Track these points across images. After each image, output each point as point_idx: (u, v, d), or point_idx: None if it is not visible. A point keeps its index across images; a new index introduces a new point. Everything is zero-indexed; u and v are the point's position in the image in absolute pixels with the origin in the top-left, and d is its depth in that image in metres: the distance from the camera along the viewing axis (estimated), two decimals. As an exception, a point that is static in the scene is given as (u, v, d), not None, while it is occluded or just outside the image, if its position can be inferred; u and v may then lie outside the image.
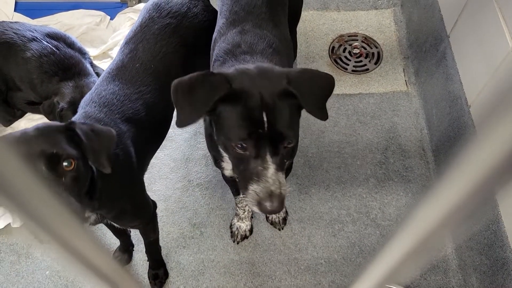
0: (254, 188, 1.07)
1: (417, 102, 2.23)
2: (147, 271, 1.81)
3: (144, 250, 1.76)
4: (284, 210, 1.90)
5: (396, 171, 2.04)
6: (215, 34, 1.48)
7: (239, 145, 1.05)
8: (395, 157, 2.08)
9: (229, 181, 1.64)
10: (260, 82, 1.05)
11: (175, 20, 1.56)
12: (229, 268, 1.84)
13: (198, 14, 1.62)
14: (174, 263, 1.85)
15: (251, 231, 1.91)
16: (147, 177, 2.04)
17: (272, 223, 1.91)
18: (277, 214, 1.88)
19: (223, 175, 1.54)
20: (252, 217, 1.92)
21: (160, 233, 1.91)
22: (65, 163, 1.00)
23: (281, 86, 1.05)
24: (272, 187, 1.05)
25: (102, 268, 0.31)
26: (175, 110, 1.08)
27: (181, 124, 1.07)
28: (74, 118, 1.31)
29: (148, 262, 1.80)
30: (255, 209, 1.09)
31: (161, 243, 1.85)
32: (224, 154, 1.25)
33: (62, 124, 1.08)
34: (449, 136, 1.88)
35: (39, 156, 0.96)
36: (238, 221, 1.87)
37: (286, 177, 1.88)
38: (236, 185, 1.62)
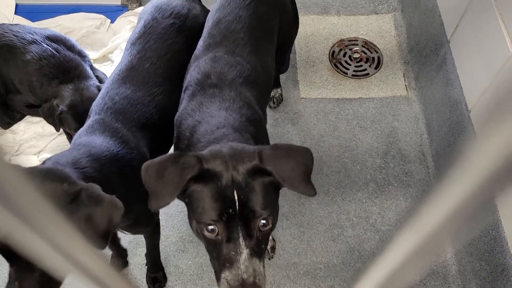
0: (225, 276, 0.97)
1: (417, 107, 2.23)
2: (146, 275, 1.80)
3: (143, 253, 1.75)
4: (271, 238, 1.84)
5: (396, 176, 2.04)
6: (192, 55, 1.46)
7: (210, 229, 0.99)
8: (395, 162, 2.08)
9: None
10: (232, 162, 1.00)
11: (178, 20, 1.56)
12: (227, 273, 1.83)
13: (198, 15, 1.63)
14: (173, 267, 1.84)
15: (273, 247, 1.89)
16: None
17: None
18: None
19: None
20: None
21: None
22: None
23: (252, 164, 1.00)
24: (244, 275, 0.96)
25: (100, 275, 0.31)
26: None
27: (154, 207, 1.02)
28: (91, 127, 1.29)
29: (146, 266, 1.80)
30: None
31: (160, 247, 1.84)
32: None
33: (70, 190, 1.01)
34: (449, 141, 1.88)
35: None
36: None
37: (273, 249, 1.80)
38: None
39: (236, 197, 0.97)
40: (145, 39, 1.51)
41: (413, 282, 1.78)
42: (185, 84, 1.40)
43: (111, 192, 1.08)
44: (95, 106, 1.40)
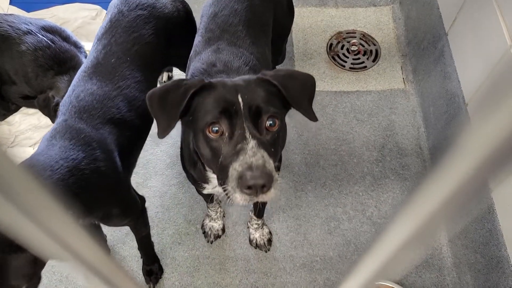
0: (233, 167, 0.93)
1: (414, 100, 2.23)
2: (142, 267, 1.80)
3: (137, 247, 1.75)
4: (267, 231, 1.85)
5: (392, 169, 2.04)
6: (191, 53, 1.46)
7: (214, 129, 0.97)
8: (392, 155, 2.08)
9: (203, 194, 1.58)
10: (237, 80, 1.05)
11: (145, 11, 1.54)
12: (224, 265, 1.83)
13: (166, 4, 1.61)
14: (169, 259, 1.84)
15: (223, 230, 1.89)
16: (142, 173, 2.04)
17: (258, 246, 1.84)
18: (261, 237, 1.82)
19: (197, 190, 1.50)
20: (223, 216, 1.91)
21: (155, 229, 1.90)
22: None
23: (257, 76, 1.05)
24: (252, 159, 0.91)
25: (96, 263, 0.31)
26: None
27: (161, 133, 1.02)
28: (54, 131, 1.28)
29: (142, 259, 1.80)
30: (237, 195, 0.94)
31: (156, 239, 1.84)
32: (206, 171, 1.21)
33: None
34: (446, 134, 1.88)
35: None
36: (210, 221, 1.85)
37: (278, 170, 1.85)
38: (211, 195, 1.58)
39: (240, 97, 0.98)
40: (111, 33, 1.48)
41: (407, 273, 1.79)
42: (187, 77, 1.39)
43: (75, 197, 1.12)
44: (61, 106, 1.37)
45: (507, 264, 1.43)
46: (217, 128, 0.97)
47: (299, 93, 1.05)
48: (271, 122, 0.99)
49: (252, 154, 0.92)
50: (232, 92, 0.99)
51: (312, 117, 1.06)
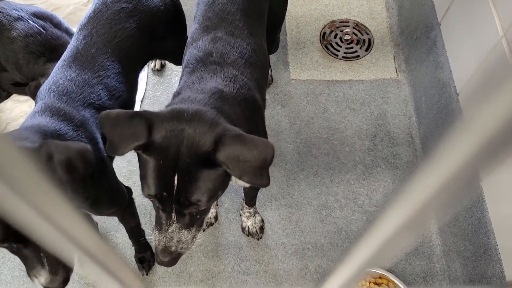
0: (155, 234, 1.08)
1: (406, 89, 2.24)
2: (134, 255, 1.81)
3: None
4: (260, 219, 1.87)
5: (384, 158, 2.06)
6: (188, 40, 1.44)
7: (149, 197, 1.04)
8: (384, 144, 2.09)
9: None
10: (186, 140, 0.96)
11: (130, 4, 1.51)
12: (216, 252, 1.85)
13: None
14: (162, 246, 1.85)
15: (216, 217, 1.91)
16: (135, 161, 2.03)
17: (250, 234, 1.87)
18: (253, 224, 1.85)
19: None
20: (217, 204, 1.92)
21: (147, 217, 1.91)
22: None
23: (204, 151, 0.96)
24: (167, 243, 1.06)
25: (91, 249, 0.31)
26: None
27: (110, 152, 1.03)
28: (33, 111, 1.25)
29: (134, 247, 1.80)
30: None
31: (149, 228, 1.85)
32: None
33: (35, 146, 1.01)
34: (437, 124, 1.90)
35: None
36: None
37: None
38: None
39: (175, 182, 0.96)
40: (92, 24, 1.46)
41: (398, 258, 1.82)
42: (184, 64, 1.38)
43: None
44: (39, 93, 1.35)
45: (495, 252, 1.45)
46: (151, 198, 1.03)
47: (250, 169, 0.96)
48: (199, 208, 1.04)
49: (169, 238, 1.05)
50: (171, 174, 0.96)
51: (262, 183, 0.98)
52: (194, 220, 1.07)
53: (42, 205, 0.26)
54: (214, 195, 1.02)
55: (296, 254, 1.84)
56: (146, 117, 0.99)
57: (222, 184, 1.03)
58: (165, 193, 0.98)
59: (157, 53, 1.72)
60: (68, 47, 1.47)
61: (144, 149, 0.98)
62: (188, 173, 0.96)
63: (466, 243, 1.65)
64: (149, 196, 1.01)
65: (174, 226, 1.03)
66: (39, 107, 1.27)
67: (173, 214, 1.02)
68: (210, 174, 0.98)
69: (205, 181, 0.98)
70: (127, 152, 1.00)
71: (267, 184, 0.98)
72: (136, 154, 1.04)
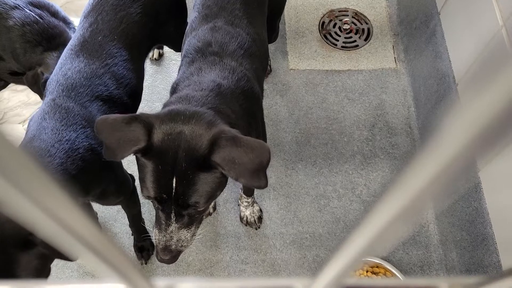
0: (155, 232, 1.10)
1: (405, 79, 2.24)
2: (133, 244, 1.82)
3: (128, 224, 1.76)
4: (258, 208, 1.87)
5: (382, 148, 2.06)
6: (187, 28, 1.43)
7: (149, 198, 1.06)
8: (382, 134, 2.09)
9: None
10: (183, 142, 0.96)
11: None
12: (215, 242, 1.86)
13: None
14: (161, 236, 1.86)
15: (214, 207, 1.91)
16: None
17: (248, 224, 1.87)
18: (251, 214, 1.85)
19: None
20: None
21: (146, 206, 1.91)
22: None
23: (200, 155, 0.96)
24: (167, 242, 1.09)
25: (90, 239, 0.31)
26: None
27: (108, 157, 1.03)
28: (43, 111, 1.27)
29: (133, 236, 1.81)
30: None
31: (148, 216, 1.85)
32: None
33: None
34: (435, 114, 1.89)
35: None
36: None
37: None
38: None
39: (174, 185, 0.98)
40: (97, 11, 1.46)
41: (395, 248, 1.83)
42: (183, 53, 1.37)
43: (74, 178, 1.16)
44: (48, 84, 1.36)
45: (492, 242, 1.46)
46: (151, 200, 1.05)
47: (246, 172, 0.97)
48: (198, 209, 1.05)
49: (169, 238, 1.08)
50: (169, 178, 0.97)
51: (259, 185, 0.98)
52: (193, 219, 1.09)
53: (38, 195, 0.26)
54: (212, 196, 1.03)
55: (294, 243, 1.85)
56: (145, 120, 0.99)
57: (220, 185, 1.04)
58: (164, 195, 1.00)
59: (161, 39, 1.71)
60: (74, 35, 1.47)
61: (143, 153, 0.99)
62: (186, 176, 0.97)
63: (463, 233, 1.66)
64: (148, 198, 1.03)
65: (173, 226, 1.06)
66: (49, 107, 1.28)
67: (172, 215, 1.04)
68: (208, 177, 0.99)
69: (202, 184, 0.99)
70: (126, 156, 1.00)
71: (264, 185, 0.98)
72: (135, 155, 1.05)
